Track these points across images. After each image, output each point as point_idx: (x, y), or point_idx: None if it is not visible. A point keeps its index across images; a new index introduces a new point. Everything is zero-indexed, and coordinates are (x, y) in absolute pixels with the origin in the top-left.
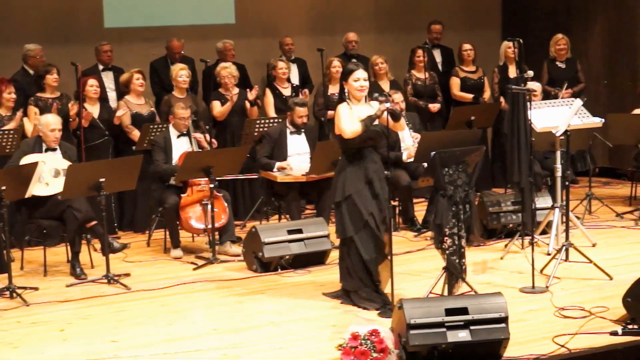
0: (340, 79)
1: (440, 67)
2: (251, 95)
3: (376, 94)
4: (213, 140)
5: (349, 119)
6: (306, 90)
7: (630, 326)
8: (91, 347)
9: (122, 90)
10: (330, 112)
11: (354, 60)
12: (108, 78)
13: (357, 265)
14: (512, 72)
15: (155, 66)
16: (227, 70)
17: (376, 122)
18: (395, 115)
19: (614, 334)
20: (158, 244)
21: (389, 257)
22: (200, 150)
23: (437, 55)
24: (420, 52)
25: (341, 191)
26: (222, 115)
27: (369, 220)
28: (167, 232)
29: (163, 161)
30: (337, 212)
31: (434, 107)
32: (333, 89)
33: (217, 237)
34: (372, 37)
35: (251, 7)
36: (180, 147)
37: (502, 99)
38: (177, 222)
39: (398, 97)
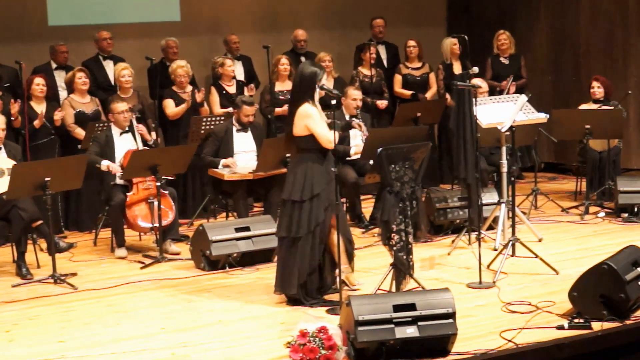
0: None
1: (385, 63)
2: (199, 97)
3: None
4: (158, 138)
5: (324, 125)
6: (252, 85)
7: (576, 320)
8: (38, 348)
9: (68, 89)
10: (278, 110)
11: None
12: (61, 77)
13: (304, 266)
14: (457, 68)
15: (87, 65)
16: (184, 69)
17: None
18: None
19: (561, 328)
20: (105, 243)
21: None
22: (146, 147)
23: (382, 51)
24: (370, 48)
25: (309, 190)
26: (176, 116)
27: (321, 224)
28: (113, 231)
29: (95, 153)
30: (293, 210)
31: (382, 103)
32: (280, 87)
33: None
34: (317, 33)
35: (196, 5)
36: (123, 144)
37: (447, 96)
38: (124, 221)
39: (357, 94)
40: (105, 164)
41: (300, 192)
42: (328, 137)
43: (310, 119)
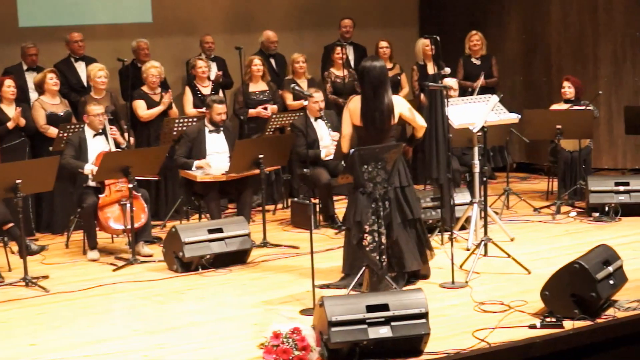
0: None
1: (352, 64)
2: (167, 98)
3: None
4: (131, 138)
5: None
6: (220, 72)
7: (548, 319)
8: (10, 352)
9: (38, 90)
10: (252, 111)
11: None
12: (31, 79)
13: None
14: (431, 69)
15: (59, 67)
16: (158, 70)
17: None
18: None
19: (533, 327)
20: (77, 245)
21: None
22: (118, 149)
23: (350, 52)
24: (339, 49)
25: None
26: (150, 117)
27: None
28: (85, 234)
29: (72, 156)
30: (413, 193)
31: None
32: (253, 88)
33: None
34: (289, 34)
35: (168, 6)
36: (96, 146)
37: (422, 96)
38: (96, 223)
39: (319, 96)
40: (89, 168)
41: (407, 177)
42: (424, 122)
43: (406, 107)
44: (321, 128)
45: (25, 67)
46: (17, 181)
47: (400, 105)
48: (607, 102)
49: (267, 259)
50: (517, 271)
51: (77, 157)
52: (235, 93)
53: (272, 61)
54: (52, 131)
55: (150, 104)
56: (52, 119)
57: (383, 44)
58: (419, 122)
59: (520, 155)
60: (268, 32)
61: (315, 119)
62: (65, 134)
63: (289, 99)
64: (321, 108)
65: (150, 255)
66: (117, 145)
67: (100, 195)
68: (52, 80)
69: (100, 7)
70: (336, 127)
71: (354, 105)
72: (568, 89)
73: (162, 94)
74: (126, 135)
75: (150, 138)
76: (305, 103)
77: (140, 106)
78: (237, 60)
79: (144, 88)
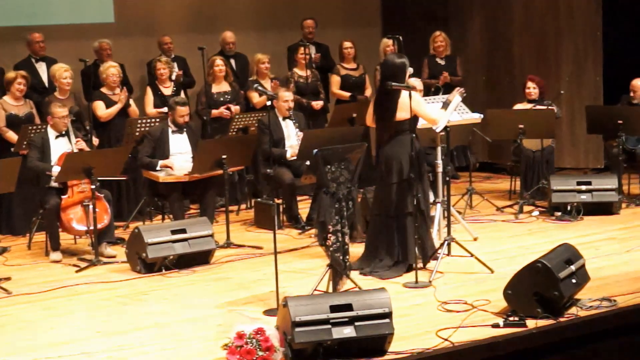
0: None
1: (314, 64)
2: (123, 97)
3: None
4: (95, 139)
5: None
6: (180, 72)
7: (511, 318)
8: None
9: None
10: (215, 111)
11: None
12: None
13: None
14: None
15: (20, 67)
16: (117, 69)
17: None
18: None
19: (496, 326)
20: (39, 246)
21: None
22: (80, 149)
23: (313, 52)
24: (302, 49)
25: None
26: (108, 117)
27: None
28: (47, 235)
29: (37, 158)
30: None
31: (317, 104)
32: (216, 88)
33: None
34: (252, 34)
35: (130, 6)
36: (59, 147)
37: None
38: (58, 224)
39: (288, 95)
40: (57, 170)
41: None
42: (434, 117)
43: (419, 103)
44: (289, 128)
45: None
46: None
47: (414, 101)
48: (569, 101)
49: (231, 260)
50: (481, 270)
51: (40, 158)
52: (198, 94)
53: (233, 62)
54: (11, 135)
55: (109, 105)
56: (13, 121)
57: (347, 44)
58: (431, 117)
59: (483, 155)
60: (226, 33)
61: (284, 118)
62: (31, 134)
63: (255, 98)
64: (290, 107)
65: (114, 257)
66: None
67: (62, 197)
68: (20, 85)
69: (62, 7)
70: (304, 128)
71: None
72: (533, 90)
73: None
74: (89, 135)
75: (111, 139)
76: (269, 103)
77: (99, 107)
78: (200, 60)
79: (103, 89)
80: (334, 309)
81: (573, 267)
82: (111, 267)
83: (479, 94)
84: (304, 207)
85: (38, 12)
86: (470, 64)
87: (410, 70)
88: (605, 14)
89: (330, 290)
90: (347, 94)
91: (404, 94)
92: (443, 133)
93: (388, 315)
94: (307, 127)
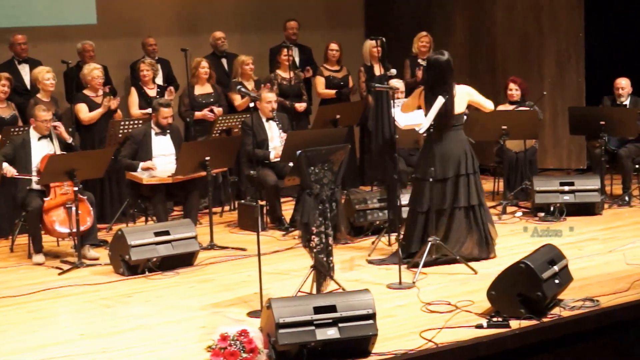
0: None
1: (298, 65)
2: (107, 102)
3: None
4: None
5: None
6: (171, 88)
7: (494, 319)
8: None
9: None
10: (198, 113)
11: None
12: None
13: None
14: (378, 70)
15: (2, 70)
16: (101, 71)
17: None
18: None
19: (480, 327)
20: (22, 249)
21: None
22: (66, 149)
23: (295, 53)
24: (285, 51)
25: (477, 161)
26: (91, 120)
27: None
28: (30, 237)
29: (3, 154)
30: (477, 180)
31: (300, 106)
32: (199, 90)
33: None
34: (235, 36)
35: (113, 7)
36: (41, 149)
37: (370, 97)
38: (41, 227)
39: (272, 96)
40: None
41: (473, 164)
42: (491, 104)
43: (473, 94)
44: (272, 129)
45: None
46: None
47: (467, 94)
48: (551, 102)
49: (214, 262)
50: (464, 271)
51: (13, 156)
52: (181, 95)
53: (224, 61)
54: None
55: (92, 107)
56: None
57: (334, 46)
58: (486, 106)
59: None
60: (215, 33)
61: (267, 119)
62: (12, 135)
63: (237, 100)
64: (274, 109)
65: (97, 259)
66: (64, 142)
67: (45, 199)
68: (4, 87)
69: (44, 9)
70: (286, 129)
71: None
72: (515, 91)
73: (104, 97)
74: (70, 138)
75: (94, 141)
76: (252, 105)
77: (82, 110)
78: (183, 62)
79: (86, 91)
80: (318, 310)
81: (556, 268)
82: (94, 270)
83: None
84: (287, 209)
85: (20, 14)
86: (454, 64)
87: (393, 71)
88: (588, 15)
89: (314, 291)
90: (332, 92)
91: (457, 88)
92: (426, 134)
93: (372, 316)
94: (291, 129)
